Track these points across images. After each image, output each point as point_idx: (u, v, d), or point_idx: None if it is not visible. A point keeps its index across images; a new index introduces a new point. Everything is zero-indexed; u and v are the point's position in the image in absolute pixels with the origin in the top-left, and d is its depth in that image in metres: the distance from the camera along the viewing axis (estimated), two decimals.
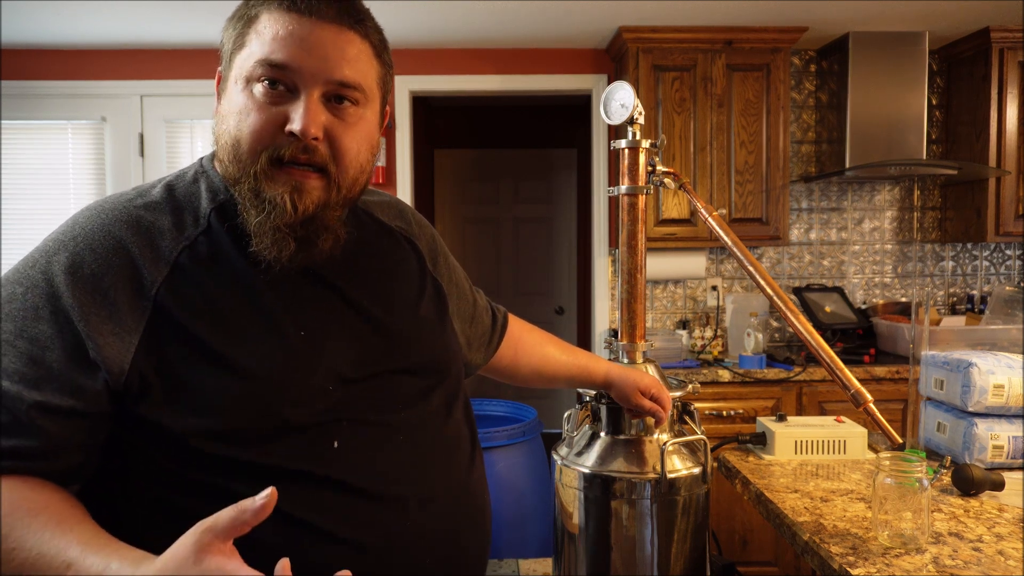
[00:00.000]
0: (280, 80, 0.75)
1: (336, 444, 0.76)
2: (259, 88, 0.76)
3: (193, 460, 0.72)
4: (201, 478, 0.72)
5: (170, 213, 0.78)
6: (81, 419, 0.70)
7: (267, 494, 0.58)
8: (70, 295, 0.70)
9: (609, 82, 3.22)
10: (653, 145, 1.15)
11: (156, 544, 0.65)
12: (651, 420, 1.08)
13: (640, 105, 1.13)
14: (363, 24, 0.80)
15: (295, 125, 0.75)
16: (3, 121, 3.14)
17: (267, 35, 0.76)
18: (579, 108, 4.50)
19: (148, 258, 0.74)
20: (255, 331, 0.75)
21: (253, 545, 0.66)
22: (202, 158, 0.87)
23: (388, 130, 3.21)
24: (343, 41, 0.78)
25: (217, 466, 0.72)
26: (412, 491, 0.81)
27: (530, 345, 1.20)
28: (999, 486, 1.27)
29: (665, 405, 1.07)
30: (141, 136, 3.20)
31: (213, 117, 0.83)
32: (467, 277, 1.13)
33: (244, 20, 0.79)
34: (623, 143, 1.14)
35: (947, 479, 1.32)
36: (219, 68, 0.83)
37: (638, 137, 1.14)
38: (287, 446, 0.74)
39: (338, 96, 0.78)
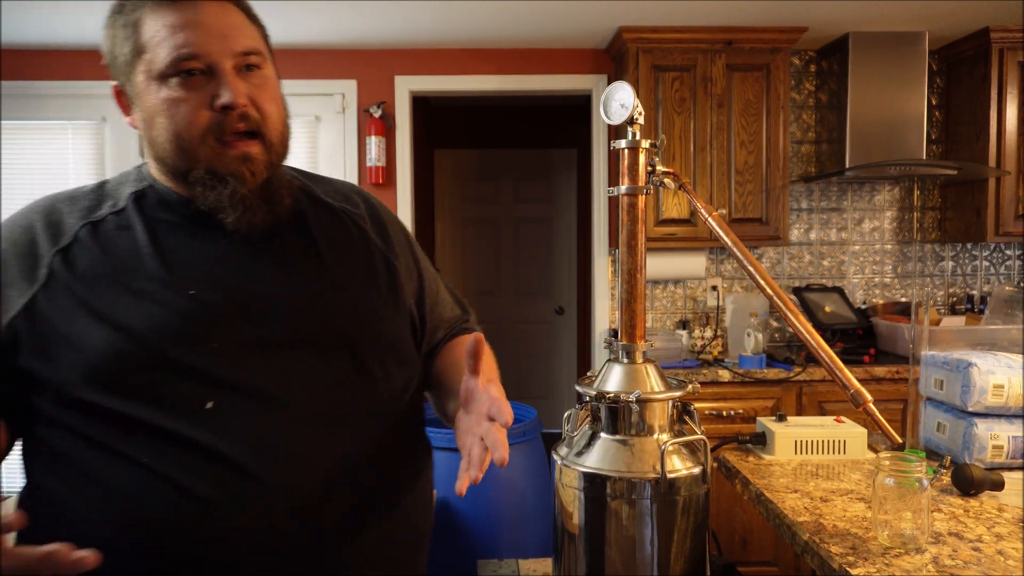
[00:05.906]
0: (194, 68, 0.81)
1: (210, 405, 0.78)
2: (176, 81, 0.81)
3: (70, 407, 0.77)
4: (79, 427, 0.77)
5: (90, 200, 0.87)
6: None
7: (87, 560, 0.64)
8: None
9: (609, 82, 3.22)
10: (653, 145, 1.15)
11: (58, 494, 0.77)
12: (652, 420, 1.08)
13: (640, 105, 1.13)
14: None
15: (225, 99, 0.80)
16: (3, 121, 3.14)
17: (163, 32, 0.80)
18: (579, 108, 4.50)
19: (49, 236, 0.83)
20: (142, 293, 0.80)
21: (108, 488, 0.75)
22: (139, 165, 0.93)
23: (388, 130, 3.21)
24: (225, 14, 0.83)
25: (92, 415, 0.76)
26: (288, 466, 0.79)
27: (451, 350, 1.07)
28: (999, 486, 1.27)
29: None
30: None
31: (136, 127, 0.88)
32: (436, 277, 1.10)
33: (130, 27, 0.82)
34: (623, 143, 1.14)
35: (947, 479, 1.32)
36: (114, 82, 0.87)
37: (638, 137, 1.14)
38: (160, 397, 0.77)
39: (246, 65, 0.84)
